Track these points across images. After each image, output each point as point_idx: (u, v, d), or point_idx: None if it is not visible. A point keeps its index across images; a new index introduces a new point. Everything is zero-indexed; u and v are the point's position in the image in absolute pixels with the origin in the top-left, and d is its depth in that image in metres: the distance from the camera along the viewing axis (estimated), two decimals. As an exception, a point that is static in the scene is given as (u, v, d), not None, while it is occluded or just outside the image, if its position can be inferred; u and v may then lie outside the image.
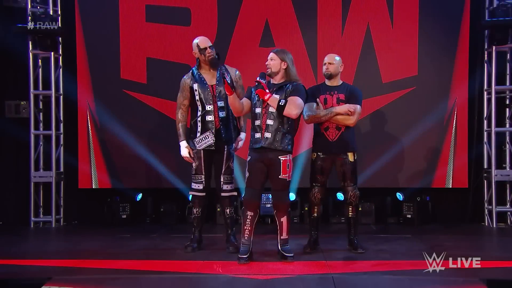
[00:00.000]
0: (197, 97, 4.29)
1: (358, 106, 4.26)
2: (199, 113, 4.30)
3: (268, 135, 3.94)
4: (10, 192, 6.13)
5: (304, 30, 5.85)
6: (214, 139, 4.27)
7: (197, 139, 4.31)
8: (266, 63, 4.04)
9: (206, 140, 4.29)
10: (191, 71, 4.40)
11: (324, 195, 4.39)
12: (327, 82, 4.37)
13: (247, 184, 4.03)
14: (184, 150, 4.34)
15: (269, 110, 3.95)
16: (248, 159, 4.02)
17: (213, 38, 5.74)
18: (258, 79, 3.95)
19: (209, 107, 4.28)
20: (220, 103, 4.27)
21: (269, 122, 3.94)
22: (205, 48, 4.27)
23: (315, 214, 4.41)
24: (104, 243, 4.91)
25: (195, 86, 4.29)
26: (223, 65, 4.43)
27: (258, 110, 3.99)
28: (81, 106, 5.97)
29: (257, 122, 3.99)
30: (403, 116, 5.82)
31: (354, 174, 4.31)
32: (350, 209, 4.35)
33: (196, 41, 4.33)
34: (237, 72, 4.42)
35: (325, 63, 4.34)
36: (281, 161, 3.95)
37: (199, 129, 4.30)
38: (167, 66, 5.90)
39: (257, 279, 3.58)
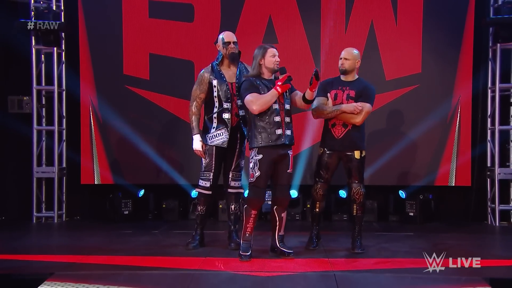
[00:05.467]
0: (215, 93, 4.26)
1: (368, 105, 4.19)
2: (215, 110, 4.27)
3: (289, 132, 3.99)
4: (13, 188, 6.14)
5: (308, 27, 5.83)
6: (228, 137, 4.25)
7: (211, 135, 4.28)
8: (276, 59, 4.01)
9: (220, 137, 4.25)
10: (210, 65, 4.35)
11: (326, 191, 4.37)
12: (342, 77, 4.31)
13: (254, 183, 3.95)
14: (198, 143, 4.29)
15: (285, 107, 4.00)
16: (259, 157, 3.92)
17: (216, 34, 5.70)
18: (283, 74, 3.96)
19: (226, 105, 4.24)
20: (240, 101, 4.20)
21: (287, 119, 4.00)
22: (229, 42, 4.26)
23: (317, 210, 4.40)
24: (106, 239, 4.91)
25: (215, 82, 4.26)
26: (242, 64, 4.40)
27: (275, 106, 3.95)
28: (83, 102, 5.96)
29: (277, 118, 3.94)
30: (407, 113, 5.80)
31: (360, 172, 4.26)
32: (355, 207, 4.30)
33: (222, 35, 4.32)
34: None
35: (341, 58, 4.27)
36: (290, 155, 4.01)
37: (214, 125, 4.27)
38: (170, 62, 5.88)
39: (259, 276, 3.58)
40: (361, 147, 4.26)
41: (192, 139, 4.31)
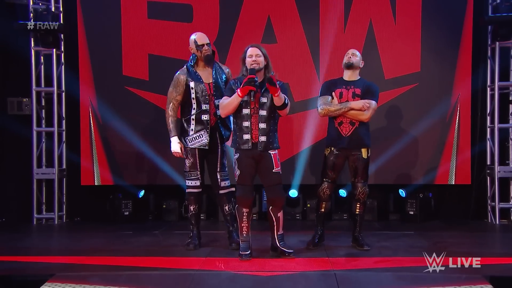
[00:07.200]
0: (193, 95, 4.26)
1: (374, 102, 4.23)
2: (193, 111, 4.27)
3: (263, 138, 3.91)
4: (13, 189, 6.14)
5: (306, 26, 5.83)
6: (208, 138, 4.25)
7: (190, 137, 4.28)
8: (252, 60, 3.89)
9: (200, 139, 4.25)
10: (185, 67, 4.35)
11: (332, 191, 4.39)
12: (345, 77, 4.33)
13: (238, 182, 4.00)
14: (176, 145, 4.31)
15: (260, 113, 3.90)
16: (237, 156, 3.98)
17: (215, 34, 5.73)
18: (254, 77, 3.81)
19: (205, 106, 4.24)
20: (218, 101, 4.21)
21: (262, 125, 3.90)
22: (202, 45, 4.25)
23: (322, 210, 4.40)
24: (106, 240, 4.91)
25: (192, 83, 4.26)
26: (216, 63, 4.40)
27: (246, 111, 3.91)
28: (83, 103, 5.95)
29: (246, 124, 3.91)
30: (406, 112, 5.80)
31: (366, 170, 4.30)
32: (358, 205, 4.33)
33: (193, 37, 4.29)
34: (228, 70, 4.43)
35: (348, 54, 4.31)
36: (272, 155, 3.95)
37: (192, 127, 4.27)
38: (169, 62, 5.87)
39: (260, 276, 3.58)
40: (368, 144, 4.29)
41: (170, 142, 4.32)
